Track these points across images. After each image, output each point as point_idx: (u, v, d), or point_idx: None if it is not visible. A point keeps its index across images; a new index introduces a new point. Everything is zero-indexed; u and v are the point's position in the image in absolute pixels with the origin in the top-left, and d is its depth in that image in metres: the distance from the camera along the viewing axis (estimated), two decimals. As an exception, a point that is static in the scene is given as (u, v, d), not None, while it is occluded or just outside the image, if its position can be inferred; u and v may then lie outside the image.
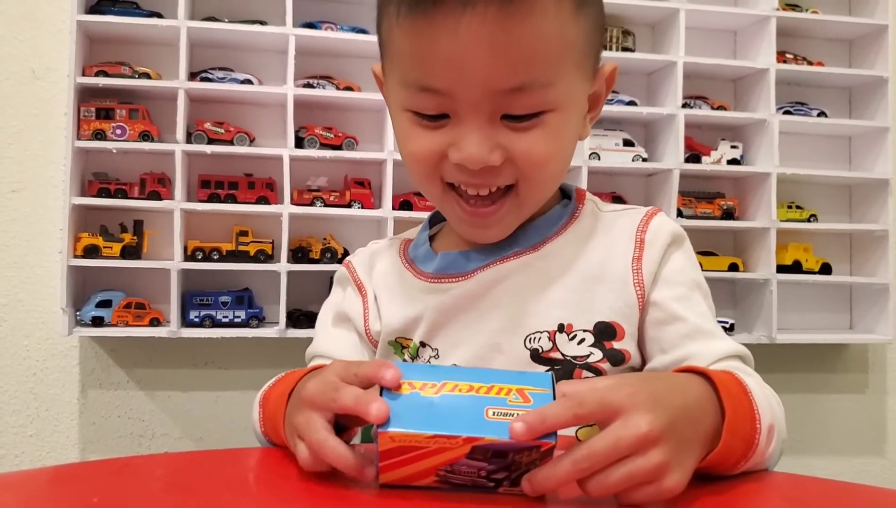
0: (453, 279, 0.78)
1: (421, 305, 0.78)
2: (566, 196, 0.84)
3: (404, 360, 0.80)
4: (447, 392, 0.50)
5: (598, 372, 0.74)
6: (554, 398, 0.50)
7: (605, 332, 0.74)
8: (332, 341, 0.85)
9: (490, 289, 0.77)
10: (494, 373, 0.52)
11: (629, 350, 0.74)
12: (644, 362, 0.76)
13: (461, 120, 0.69)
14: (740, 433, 0.57)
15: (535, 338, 0.74)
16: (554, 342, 0.74)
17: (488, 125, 0.68)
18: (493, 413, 0.49)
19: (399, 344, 0.80)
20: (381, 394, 0.51)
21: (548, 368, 0.74)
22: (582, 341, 0.74)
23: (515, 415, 0.49)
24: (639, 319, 0.75)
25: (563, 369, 0.74)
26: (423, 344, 0.78)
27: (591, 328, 0.74)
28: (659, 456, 0.50)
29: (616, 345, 0.74)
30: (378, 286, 0.83)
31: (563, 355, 0.74)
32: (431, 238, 0.86)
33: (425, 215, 0.92)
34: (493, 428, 0.48)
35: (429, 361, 0.78)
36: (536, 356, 0.74)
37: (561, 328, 0.74)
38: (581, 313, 0.74)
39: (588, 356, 0.74)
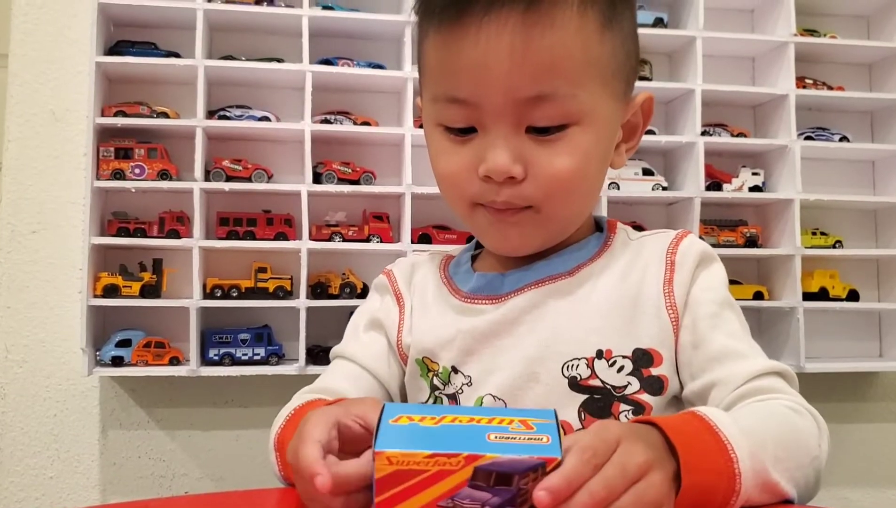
0: (487, 301, 0.78)
1: (454, 326, 0.78)
2: (600, 229, 0.84)
3: (432, 384, 0.79)
4: (447, 423, 0.49)
5: (638, 405, 0.72)
6: (558, 427, 0.49)
7: (642, 359, 0.73)
8: (360, 345, 0.84)
9: (525, 314, 0.76)
10: (497, 409, 0.52)
11: (667, 376, 0.73)
12: (682, 386, 0.75)
13: (487, 132, 0.70)
14: (708, 468, 0.55)
15: (573, 365, 0.73)
16: (592, 369, 0.73)
17: (513, 136, 0.69)
18: (496, 437, 0.48)
19: (425, 365, 0.79)
20: (378, 428, 0.49)
21: (587, 397, 0.72)
22: (621, 368, 0.73)
23: (518, 439, 0.47)
24: (674, 342, 0.74)
25: (603, 399, 0.72)
26: (454, 370, 0.77)
27: (629, 354, 0.73)
28: (660, 483, 0.50)
29: (654, 371, 0.73)
30: (415, 298, 0.83)
31: (602, 382, 0.72)
32: (474, 258, 0.85)
33: (444, 248, 0.91)
34: (496, 448, 0.46)
35: (461, 389, 0.77)
36: (575, 385, 0.73)
37: (599, 355, 0.73)
38: (619, 339, 0.73)
39: (626, 386, 0.72)
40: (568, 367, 0.73)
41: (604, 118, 0.72)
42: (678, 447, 0.54)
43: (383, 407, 0.51)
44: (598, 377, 0.73)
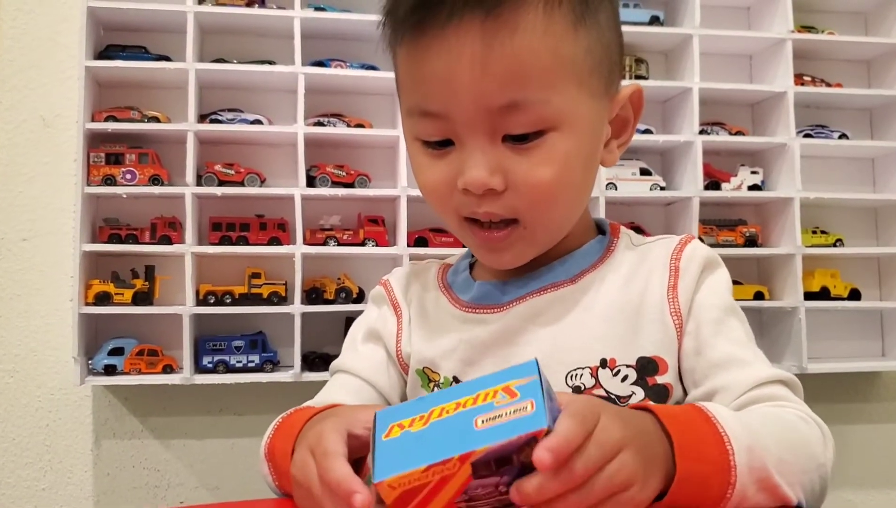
0: (489, 311, 0.76)
1: (455, 336, 0.76)
2: (602, 232, 0.82)
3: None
4: (435, 419, 0.49)
5: None
6: (541, 383, 0.48)
7: (647, 368, 0.71)
8: (359, 357, 0.83)
9: (527, 323, 0.74)
10: (481, 381, 0.50)
11: (671, 383, 0.71)
12: (686, 394, 0.73)
13: (463, 144, 0.68)
14: (703, 457, 0.55)
15: (576, 375, 0.71)
16: (596, 379, 0.71)
17: (490, 147, 0.67)
18: (483, 421, 0.47)
19: (426, 375, 0.78)
20: (373, 446, 0.50)
21: None
22: (625, 377, 0.71)
23: (504, 415, 0.47)
24: (677, 349, 0.72)
25: None
26: (456, 380, 0.75)
27: (633, 363, 0.71)
28: (632, 462, 0.50)
29: (659, 380, 0.71)
30: (413, 308, 0.82)
31: (606, 392, 0.71)
32: (472, 266, 0.83)
33: (441, 251, 0.90)
34: (484, 437, 0.46)
35: None
36: (579, 395, 0.71)
37: (603, 364, 0.71)
38: (623, 348, 0.72)
39: (630, 396, 0.71)
40: (571, 377, 0.71)
41: (584, 119, 0.69)
42: (672, 433, 0.54)
43: (375, 418, 0.51)
44: (602, 386, 0.71)
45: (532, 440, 0.46)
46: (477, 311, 0.77)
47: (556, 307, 0.74)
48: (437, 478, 0.46)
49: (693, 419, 0.57)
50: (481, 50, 0.64)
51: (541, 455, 0.45)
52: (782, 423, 0.64)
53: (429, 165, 0.71)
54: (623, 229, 0.82)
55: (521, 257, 0.74)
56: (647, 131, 1.97)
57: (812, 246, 2.00)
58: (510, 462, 0.47)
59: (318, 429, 0.57)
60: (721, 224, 2.04)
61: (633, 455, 0.50)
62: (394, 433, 0.49)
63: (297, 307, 1.78)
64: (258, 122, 1.85)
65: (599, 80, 0.71)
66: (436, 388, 0.77)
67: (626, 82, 0.77)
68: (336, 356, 0.85)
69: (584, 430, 0.48)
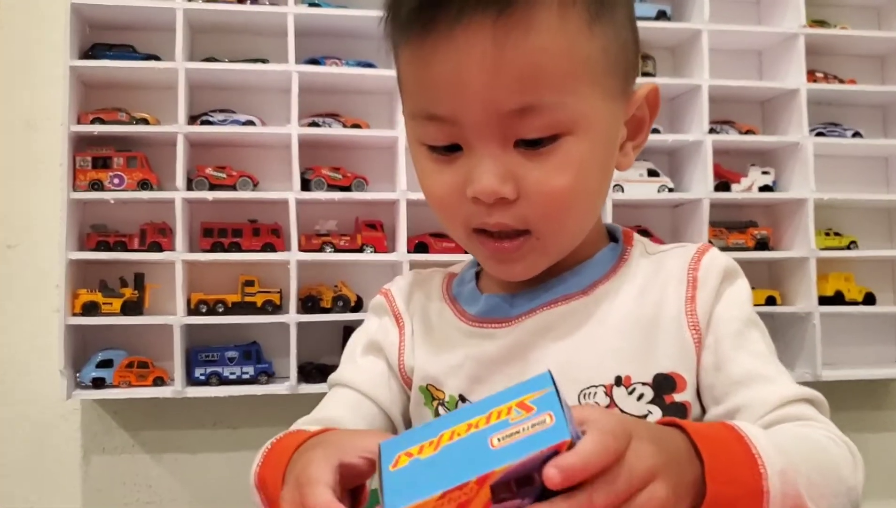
0: (497, 325, 0.72)
1: (461, 352, 0.73)
2: (614, 239, 0.77)
3: (436, 413, 0.74)
4: (447, 443, 0.46)
5: None
6: (558, 395, 0.46)
7: (663, 385, 0.68)
8: (358, 370, 0.79)
9: (537, 338, 0.70)
10: (491, 399, 0.48)
11: (690, 401, 0.68)
12: (704, 412, 0.69)
13: (473, 150, 0.64)
14: (734, 479, 0.52)
15: (590, 393, 0.68)
16: (611, 398, 0.67)
17: (501, 152, 0.63)
18: (499, 440, 0.45)
19: (430, 393, 0.74)
20: (381, 480, 0.47)
21: None
22: (641, 396, 0.67)
23: (522, 431, 0.44)
24: (696, 365, 0.69)
25: None
26: (462, 398, 0.72)
27: (649, 380, 0.68)
28: (664, 493, 0.47)
29: (677, 398, 0.68)
30: (416, 320, 0.78)
31: (622, 412, 0.67)
32: (478, 275, 0.79)
33: (442, 257, 0.85)
34: (502, 456, 0.43)
35: None
36: None
37: (618, 381, 0.68)
38: (639, 364, 0.68)
39: (646, 416, 0.67)
40: (585, 396, 0.67)
41: (599, 122, 0.66)
42: (704, 453, 0.51)
43: (379, 449, 0.49)
44: (617, 406, 0.67)
45: (554, 455, 0.44)
46: (484, 325, 0.73)
47: (569, 321, 0.70)
48: (453, 505, 0.44)
49: (725, 438, 0.54)
50: (492, 51, 0.61)
51: (549, 471, 0.43)
52: (812, 444, 0.61)
53: (435, 171, 0.68)
54: (636, 236, 0.79)
55: (532, 268, 0.70)
56: (654, 131, 1.91)
57: (825, 248, 1.94)
58: (531, 481, 0.44)
59: (307, 458, 0.54)
60: (731, 226, 1.99)
61: (666, 484, 0.47)
62: (401, 462, 0.46)
63: (292, 317, 1.73)
64: (250, 123, 1.80)
65: (615, 80, 0.67)
66: (440, 406, 0.74)
67: (639, 80, 0.73)
68: (333, 367, 0.82)
69: (611, 451, 0.45)
